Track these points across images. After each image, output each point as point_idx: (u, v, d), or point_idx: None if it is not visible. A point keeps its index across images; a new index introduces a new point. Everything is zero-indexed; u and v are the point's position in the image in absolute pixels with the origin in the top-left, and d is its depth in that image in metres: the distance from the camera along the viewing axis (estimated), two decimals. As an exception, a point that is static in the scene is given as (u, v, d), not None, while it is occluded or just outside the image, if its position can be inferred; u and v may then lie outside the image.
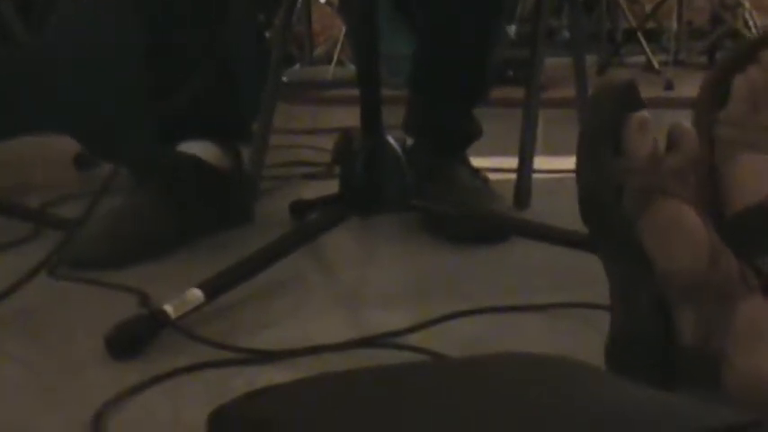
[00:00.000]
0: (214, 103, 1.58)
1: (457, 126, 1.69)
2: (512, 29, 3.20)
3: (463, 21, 1.62)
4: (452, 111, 1.68)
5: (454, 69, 1.65)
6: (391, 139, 1.34)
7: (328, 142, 1.67)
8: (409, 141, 1.69)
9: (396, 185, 1.31)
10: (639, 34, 3.87)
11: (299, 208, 1.61)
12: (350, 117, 1.33)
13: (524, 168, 1.76)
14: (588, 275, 0.96)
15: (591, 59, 4.06)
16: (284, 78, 2.78)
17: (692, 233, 0.81)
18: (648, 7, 4.27)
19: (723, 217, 0.88)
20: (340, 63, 4.04)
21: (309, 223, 1.43)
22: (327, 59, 4.11)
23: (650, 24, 4.16)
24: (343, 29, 3.99)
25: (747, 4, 4.03)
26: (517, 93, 1.88)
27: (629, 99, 0.85)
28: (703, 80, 0.93)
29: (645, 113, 0.84)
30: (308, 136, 2.51)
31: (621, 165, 0.83)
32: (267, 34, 2.64)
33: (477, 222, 1.44)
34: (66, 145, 2.02)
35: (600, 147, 0.84)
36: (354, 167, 1.28)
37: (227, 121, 1.64)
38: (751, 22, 4.00)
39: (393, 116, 1.58)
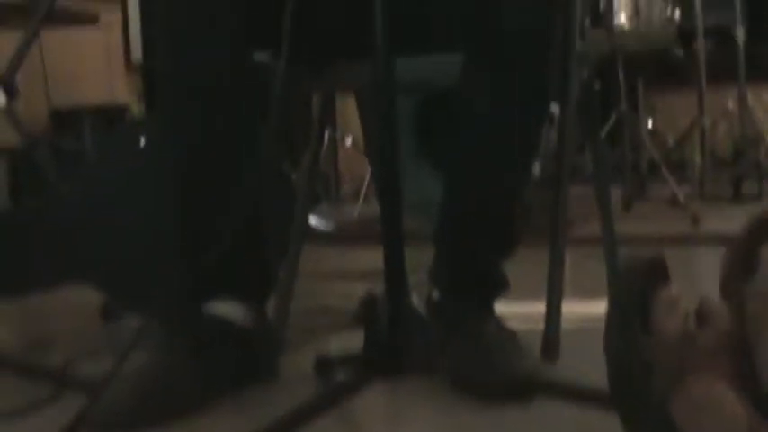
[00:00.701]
0: (243, 261, 1.58)
1: (484, 281, 1.67)
2: (536, 167, 3.22)
3: (491, 171, 1.62)
4: (480, 265, 1.67)
5: (482, 222, 1.64)
6: (415, 298, 1.33)
7: (355, 287, 1.66)
8: (435, 293, 1.68)
9: (420, 348, 1.30)
10: (663, 168, 3.89)
11: (323, 365, 1.59)
12: (378, 258, 1.33)
13: (552, 318, 1.73)
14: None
15: (616, 193, 4.10)
16: (311, 219, 2.80)
17: (728, 411, 0.79)
18: (671, 139, 4.31)
19: (761, 391, 0.85)
20: (367, 201, 4.07)
21: (334, 387, 1.41)
22: (354, 197, 4.15)
23: (674, 155, 4.19)
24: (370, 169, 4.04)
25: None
26: (542, 231, 1.87)
27: (657, 274, 0.84)
28: (729, 250, 0.92)
29: (673, 290, 0.83)
30: (336, 281, 2.51)
31: (651, 343, 0.81)
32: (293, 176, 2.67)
33: (505, 382, 1.41)
34: (91, 296, 2.02)
35: (629, 324, 0.82)
36: (378, 331, 1.27)
37: (256, 279, 1.64)
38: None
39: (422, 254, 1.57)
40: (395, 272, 1.28)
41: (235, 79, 1.56)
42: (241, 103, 1.58)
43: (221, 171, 1.57)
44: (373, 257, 1.39)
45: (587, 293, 1.78)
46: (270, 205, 1.71)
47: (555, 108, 1.89)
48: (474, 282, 1.66)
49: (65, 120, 3.65)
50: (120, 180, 1.92)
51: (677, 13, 3.86)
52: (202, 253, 1.47)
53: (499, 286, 1.68)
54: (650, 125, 4.65)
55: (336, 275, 2.60)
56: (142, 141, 1.95)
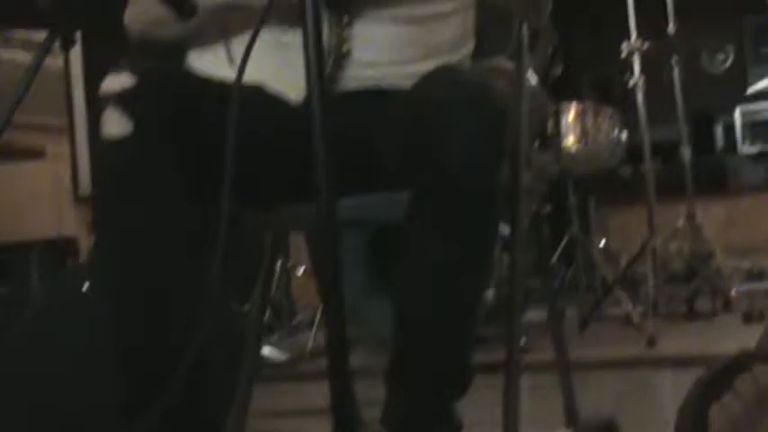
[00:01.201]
0: (187, 414, 1.53)
1: (437, 423, 1.63)
2: (489, 294, 3.21)
3: (441, 308, 1.59)
4: (432, 406, 1.62)
5: (434, 360, 1.60)
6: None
7: (311, 425, 1.61)
8: (385, 435, 1.63)
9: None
10: (617, 288, 3.89)
11: None
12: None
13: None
14: None
15: (572, 313, 4.09)
16: (264, 350, 2.74)
17: None
18: (624, 257, 4.34)
19: None
20: (321, 330, 4.02)
21: None
22: (309, 326, 4.10)
23: (627, 274, 4.20)
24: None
25: (719, 254, 4.10)
26: (496, 356, 1.83)
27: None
28: (681, 409, 0.90)
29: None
30: (290, 419, 2.45)
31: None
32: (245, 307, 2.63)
33: None
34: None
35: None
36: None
37: (201, 428, 1.59)
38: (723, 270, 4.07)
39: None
40: (342, 410, 1.24)
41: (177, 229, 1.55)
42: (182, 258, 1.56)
43: (164, 324, 1.54)
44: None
45: (544, 425, 1.74)
46: (217, 349, 1.67)
47: (507, 231, 1.89)
48: (426, 424, 1.62)
49: (12, 256, 3.59)
50: (62, 330, 1.87)
51: (624, 133, 3.93)
52: (144, 409, 1.42)
53: (452, 428, 1.64)
54: (603, 244, 4.68)
55: (291, 413, 2.54)
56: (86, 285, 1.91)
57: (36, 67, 1.38)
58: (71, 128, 3.62)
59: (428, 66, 1.73)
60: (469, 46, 1.94)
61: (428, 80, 1.62)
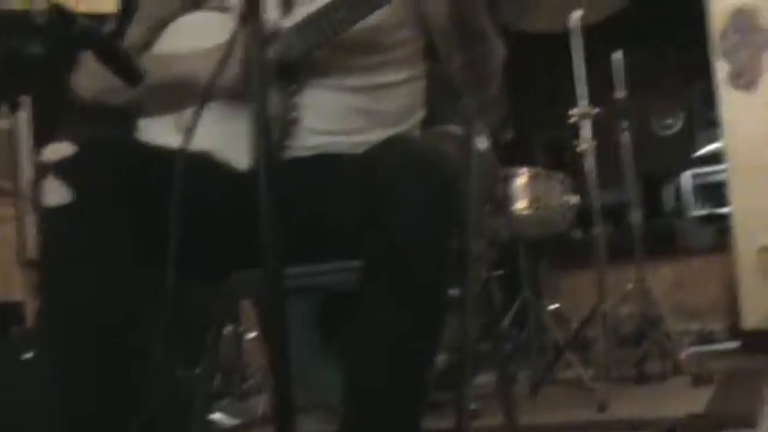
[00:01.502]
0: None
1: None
2: (440, 359, 3.20)
3: (390, 375, 1.58)
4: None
5: (385, 430, 1.58)
6: None
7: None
8: None
9: None
10: (568, 351, 3.90)
11: None
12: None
13: None
14: None
15: (524, 377, 4.09)
16: (215, 415, 2.70)
17: None
18: (575, 320, 4.34)
19: None
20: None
21: None
22: (260, 391, 4.06)
23: (579, 337, 4.21)
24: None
25: (668, 317, 4.13)
26: (447, 421, 1.82)
27: None
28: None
29: None
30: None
31: None
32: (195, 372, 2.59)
33: None
34: None
35: None
36: None
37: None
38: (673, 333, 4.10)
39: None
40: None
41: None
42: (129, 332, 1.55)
43: (111, 391, 1.52)
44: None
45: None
46: (165, 415, 1.65)
47: (457, 294, 1.89)
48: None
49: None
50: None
51: (575, 197, 3.96)
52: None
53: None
54: (554, 308, 4.70)
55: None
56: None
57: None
58: (16, 190, 3.58)
59: (377, 135, 1.74)
60: (419, 115, 1.96)
61: (379, 148, 1.63)
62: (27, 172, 3.52)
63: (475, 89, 1.93)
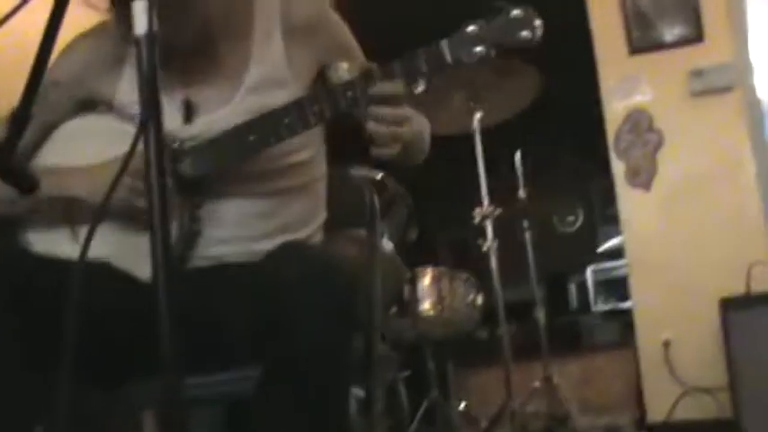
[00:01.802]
0: None
1: None
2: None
3: None
4: None
5: None
6: None
7: None
8: None
9: None
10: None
11: None
12: None
13: None
14: None
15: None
16: None
17: None
18: (484, 420, 4.33)
19: None
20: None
21: None
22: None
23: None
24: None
25: (575, 413, 4.15)
26: None
27: None
28: None
29: None
30: None
31: None
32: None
33: None
34: None
35: None
36: None
37: None
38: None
39: None
40: None
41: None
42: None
43: None
44: None
45: None
46: None
47: (364, 396, 1.88)
48: None
49: None
50: None
51: (480, 297, 3.99)
52: None
53: None
54: (462, 407, 4.67)
55: None
56: None
57: None
58: None
59: (279, 241, 1.73)
60: (321, 217, 1.96)
61: (276, 257, 1.62)
62: None
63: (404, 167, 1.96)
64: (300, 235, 1.85)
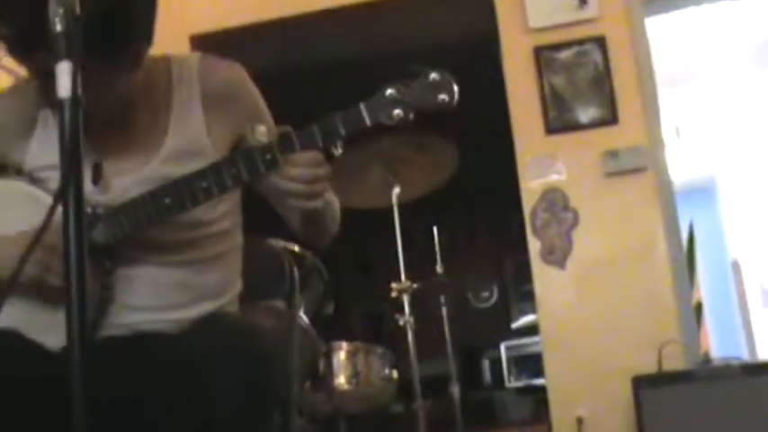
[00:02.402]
0: None
1: None
2: None
3: None
4: None
5: None
6: None
7: None
8: None
9: None
10: None
11: None
12: None
13: None
14: None
15: None
16: None
17: None
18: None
19: None
20: None
21: None
22: None
23: None
24: None
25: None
26: None
27: None
28: None
29: None
30: None
31: None
32: None
33: None
34: None
35: None
36: None
37: None
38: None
39: None
40: None
41: None
42: None
43: None
44: None
45: None
46: None
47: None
48: None
49: None
50: None
51: (395, 371, 3.97)
52: None
53: None
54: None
55: None
56: None
57: None
58: None
59: (194, 311, 1.70)
60: (237, 287, 1.94)
61: (194, 327, 1.59)
62: None
63: (315, 243, 1.95)
64: (216, 305, 1.82)
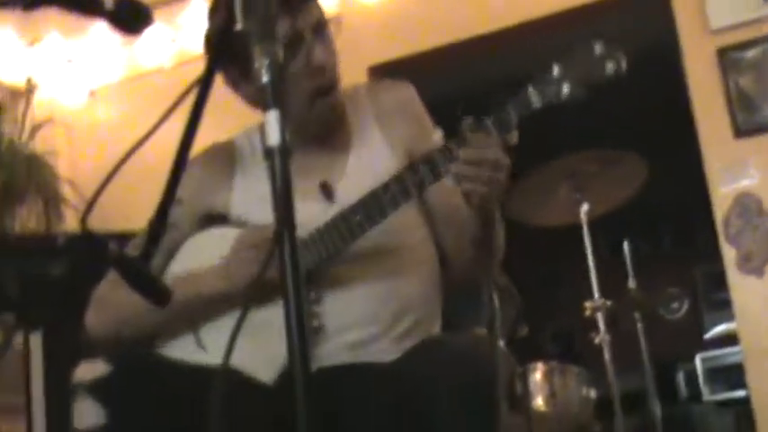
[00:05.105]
0: None
1: None
2: None
3: None
4: None
5: None
6: None
7: None
8: None
9: None
10: None
11: None
12: None
13: None
14: None
15: None
16: None
17: None
18: None
19: None
20: None
21: None
22: None
23: None
24: None
25: None
26: None
27: None
28: None
29: None
30: None
31: None
32: None
33: None
34: None
35: None
36: None
37: None
38: None
39: None
40: None
41: None
42: None
43: None
44: None
45: None
46: None
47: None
48: None
49: None
50: None
51: (592, 390, 3.89)
52: None
53: None
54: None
55: None
56: None
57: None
58: (28, 408, 3.52)
59: (402, 325, 1.70)
60: (437, 302, 1.93)
61: (413, 354, 1.59)
62: (38, 389, 3.46)
63: (486, 274, 1.93)
64: (419, 315, 1.82)
